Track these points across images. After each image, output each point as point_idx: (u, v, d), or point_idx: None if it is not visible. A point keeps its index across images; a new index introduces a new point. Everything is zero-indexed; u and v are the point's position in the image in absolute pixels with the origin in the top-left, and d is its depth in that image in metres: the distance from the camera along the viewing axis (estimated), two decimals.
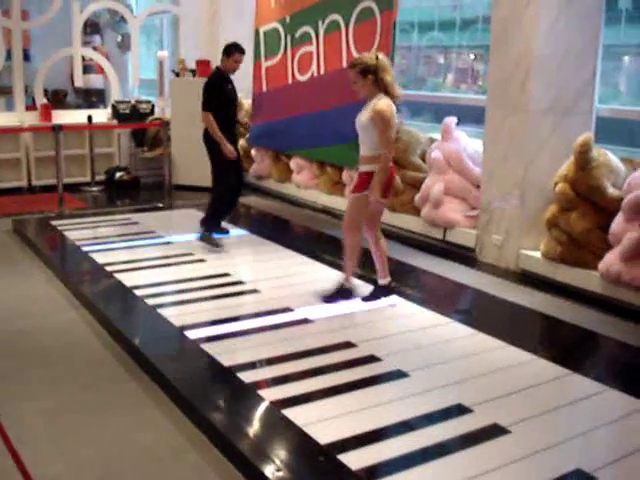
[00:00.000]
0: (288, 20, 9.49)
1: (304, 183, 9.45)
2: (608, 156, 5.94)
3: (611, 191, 5.85)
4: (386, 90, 5.16)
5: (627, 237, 5.50)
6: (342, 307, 5.43)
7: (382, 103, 5.11)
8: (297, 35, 9.30)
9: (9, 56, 10.47)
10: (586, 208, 5.95)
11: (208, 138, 7.10)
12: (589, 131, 6.25)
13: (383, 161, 5.16)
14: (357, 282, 5.70)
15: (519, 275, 6.47)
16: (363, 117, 5.21)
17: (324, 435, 3.56)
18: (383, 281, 5.56)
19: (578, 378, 4.33)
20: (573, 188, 5.97)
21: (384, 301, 5.55)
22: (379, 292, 5.57)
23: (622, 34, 6.94)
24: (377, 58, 5.16)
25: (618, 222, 5.67)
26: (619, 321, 5.39)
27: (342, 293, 5.54)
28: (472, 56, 9.65)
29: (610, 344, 5.06)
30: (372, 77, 5.12)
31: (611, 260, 5.63)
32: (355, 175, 5.54)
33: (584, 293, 5.88)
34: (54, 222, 8.13)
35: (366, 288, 5.69)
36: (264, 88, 10.09)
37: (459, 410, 3.85)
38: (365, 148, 5.28)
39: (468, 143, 7.39)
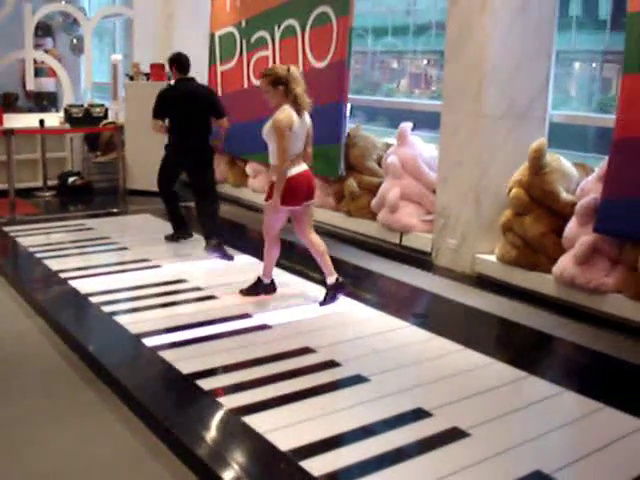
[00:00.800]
0: (244, 24, 9.47)
1: (260, 188, 9.41)
2: (561, 161, 6.04)
3: (564, 196, 5.94)
4: (295, 101, 5.29)
5: (580, 241, 5.60)
6: (300, 312, 5.42)
7: (281, 113, 5.24)
8: (253, 39, 9.29)
9: None
10: (540, 212, 6.03)
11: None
12: (543, 136, 6.35)
13: (276, 171, 5.34)
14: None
15: (475, 279, 6.53)
16: (266, 126, 5.35)
17: (285, 441, 3.54)
18: (330, 280, 5.65)
19: (535, 380, 4.39)
20: (527, 193, 6.05)
21: (340, 300, 5.64)
22: (331, 293, 5.63)
23: (573, 40, 7.07)
24: (288, 70, 5.29)
25: (571, 226, 5.76)
26: (574, 323, 5.47)
27: (261, 287, 5.84)
28: (425, 61, 9.74)
29: (565, 346, 5.13)
30: (282, 88, 5.26)
31: (565, 263, 5.71)
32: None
33: (539, 296, 5.96)
34: (5, 228, 7.98)
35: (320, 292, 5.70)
36: (219, 92, 10.03)
37: (419, 414, 3.87)
38: (272, 157, 5.41)
39: (424, 148, 7.45)
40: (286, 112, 5.25)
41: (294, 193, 5.40)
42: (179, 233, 7.60)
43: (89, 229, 8.04)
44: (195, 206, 7.48)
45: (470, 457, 3.45)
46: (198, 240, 7.59)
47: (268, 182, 5.69)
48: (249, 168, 9.58)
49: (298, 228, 5.71)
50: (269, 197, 5.45)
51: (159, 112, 7.25)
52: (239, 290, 5.84)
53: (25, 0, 10.71)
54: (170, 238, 7.57)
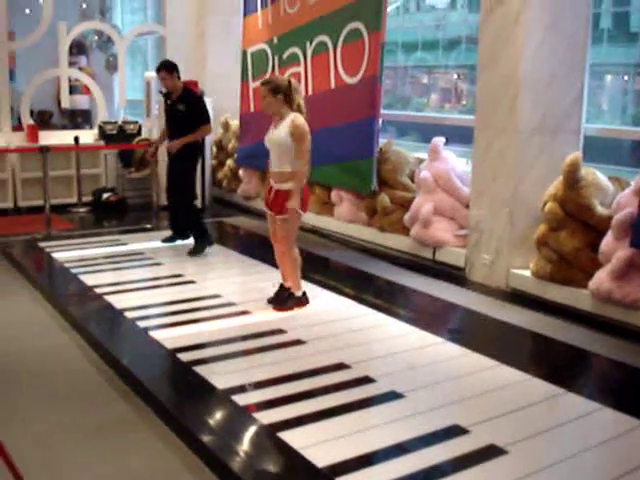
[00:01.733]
0: (276, 41, 9.53)
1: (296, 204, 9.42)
2: (596, 175, 5.99)
3: (600, 210, 5.89)
4: (299, 110, 5.56)
5: (617, 256, 5.53)
6: (334, 328, 5.42)
7: (298, 119, 5.47)
8: (285, 56, 9.33)
9: None
10: (575, 227, 5.98)
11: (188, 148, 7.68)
12: (577, 150, 6.30)
13: (300, 174, 5.50)
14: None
15: (509, 294, 6.48)
16: (280, 133, 5.50)
17: (320, 458, 3.53)
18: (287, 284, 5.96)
19: (572, 397, 4.34)
20: (562, 207, 6.01)
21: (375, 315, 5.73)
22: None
23: (604, 53, 7.03)
24: (289, 82, 5.57)
25: (607, 241, 5.70)
26: (610, 339, 5.41)
27: (294, 301, 5.87)
28: (455, 76, 9.74)
29: (602, 362, 5.08)
30: (281, 96, 5.49)
31: (601, 278, 5.65)
32: (273, 193, 5.72)
33: (574, 311, 5.90)
34: (41, 244, 8.09)
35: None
36: (252, 109, 10.11)
37: (456, 431, 3.84)
38: (285, 164, 5.54)
39: (456, 163, 7.44)
40: (301, 118, 5.51)
41: (307, 198, 5.84)
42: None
43: (123, 244, 8.12)
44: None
45: (508, 475, 3.42)
46: (233, 257, 7.65)
47: (277, 190, 5.67)
48: None
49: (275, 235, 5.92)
50: (283, 206, 5.57)
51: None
52: (272, 306, 5.85)
53: (60, 18, 10.86)
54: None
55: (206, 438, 3.79)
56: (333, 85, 8.48)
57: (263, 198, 5.99)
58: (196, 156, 8.05)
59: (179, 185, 7.87)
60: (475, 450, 3.64)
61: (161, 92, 8.02)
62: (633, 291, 5.45)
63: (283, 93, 5.49)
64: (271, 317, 5.67)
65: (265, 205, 5.89)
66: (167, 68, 7.63)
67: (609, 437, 3.89)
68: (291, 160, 5.51)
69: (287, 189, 5.56)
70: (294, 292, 5.87)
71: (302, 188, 5.60)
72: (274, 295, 5.93)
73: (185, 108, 7.65)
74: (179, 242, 8.08)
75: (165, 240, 8.15)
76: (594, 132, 6.59)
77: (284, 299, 5.86)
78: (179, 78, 7.74)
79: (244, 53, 10.25)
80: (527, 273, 6.37)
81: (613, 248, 5.62)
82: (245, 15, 10.25)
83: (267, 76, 9.70)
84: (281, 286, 5.93)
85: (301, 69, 9.04)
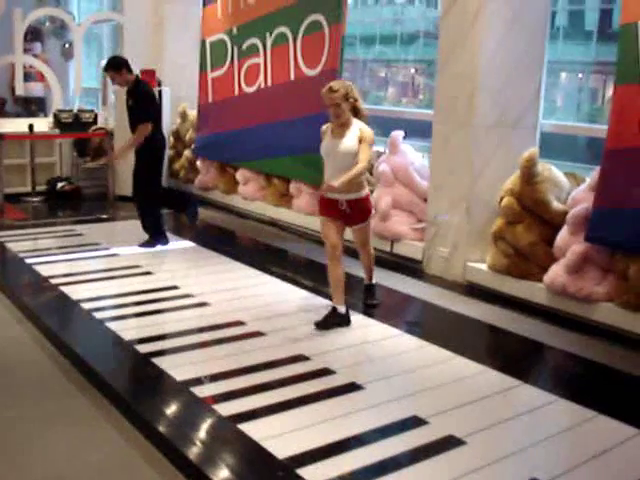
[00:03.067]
0: (235, 31, 9.48)
1: (250, 195, 9.42)
2: (553, 171, 6.08)
3: (556, 205, 5.98)
4: (359, 114, 5.29)
5: (571, 250, 5.63)
6: (293, 320, 5.42)
7: (365, 126, 5.25)
8: (244, 47, 9.29)
9: None
10: (531, 221, 6.06)
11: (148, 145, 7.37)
12: (534, 146, 6.39)
13: (362, 168, 5.19)
14: None
15: (466, 287, 6.55)
16: (348, 142, 5.19)
17: (281, 449, 3.54)
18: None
19: (528, 388, 4.41)
20: (519, 202, 6.08)
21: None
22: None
23: (559, 50, 7.13)
24: (351, 85, 5.28)
25: (562, 235, 5.79)
26: (565, 332, 5.50)
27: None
28: (413, 70, 9.80)
29: (557, 355, 5.16)
30: (352, 101, 5.21)
31: (556, 272, 5.74)
32: (346, 205, 5.31)
33: (530, 305, 5.99)
34: None
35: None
36: (210, 99, 10.05)
37: (415, 422, 3.88)
38: (343, 172, 5.13)
39: (415, 157, 7.48)
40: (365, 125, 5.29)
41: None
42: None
43: (79, 235, 8.01)
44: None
45: (467, 465, 3.46)
46: (191, 249, 7.61)
47: (350, 201, 5.31)
48: (239, 175, 9.56)
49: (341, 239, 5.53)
50: (369, 214, 5.50)
51: (152, 114, 7.40)
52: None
53: (15, 4, 10.66)
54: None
55: (165, 430, 3.78)
56: (292, 77, 8.47)
57: (324, 211, 5.45)
58: (151, 151, 7.45)
59: (139, 183, 7.57)
60: (434, 441, 3.68)
61: None
62: (587, 285, 5.56)
63: (352, 97, 5.21)
64: (230, 308, 5.64)
65: (328, 215, 5.38)
66: (113, 67, 7.29)
67: (565, 428, 3.96)
68: (348, 168, 5.17)
69: (362, 197, 5.36)
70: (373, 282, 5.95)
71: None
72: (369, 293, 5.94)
73: (133, 103, 7.38)
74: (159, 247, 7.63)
75: (143, 244, 7.61)
76: (550, 128, 6.68)
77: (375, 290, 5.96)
78: (130, 72, 7.36)
79: (203, 43, 10.17)
80: (484, 267, 6.45)
81: (568, 243, 5.71)
82: (205, 4, 10.16)
83: (225, 67, 9.67)
84: (367, 286, 5.96)
85: (260, 60, 9.01)
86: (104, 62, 10.24)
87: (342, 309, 5.34)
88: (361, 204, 5.38)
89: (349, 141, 5.19)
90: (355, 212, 5.37)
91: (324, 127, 5.42)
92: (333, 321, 5.30)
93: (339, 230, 5.38)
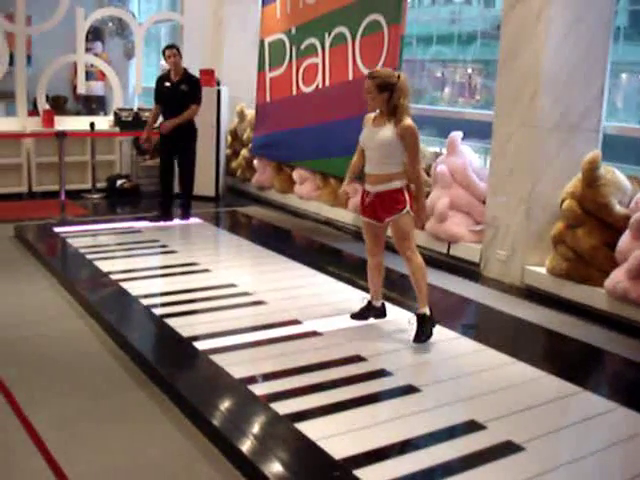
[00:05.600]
0: (294, 31, 9.51)
1: (306, 194, 9.45)
2: (616, 174, 5.96)
3: (618, 209, 5.87)
4: (394, 112, 4.91)
5: (634, 255, 5.51)
6: (350, 320, 5.41)
7: (407, 119, 4.91)
8: (302, 47, 9.32)
9: (11, 61, 10.45)
10: (593, 225, 5.96)
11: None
12: (596, 148, 6.28)
13: (420, 178, 5.01)
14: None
15: (524, 291, 6.47)
16: (385, 133, 4.93)
17: (338, 450, 3.53)
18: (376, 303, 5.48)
19: (588, 395, 4.33)
20: (580, 205, 5.99)
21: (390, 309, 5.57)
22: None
23: (620, 51, 6.99)
24: (398, 77, 4.94)
25: (625, 240, 5.68)
26: (625, 338, 5.41)
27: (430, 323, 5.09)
28: (470, 70, 9.69)
29: (617, 361, 5.07)
30: (387, 95, 4.90)
31: (618, 277, 5.64)
32: (373, 197, 5.05)
33: (590, 310, 5.89)
34: (56, 229, 8.10)
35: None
36: (268, 99, 10.10)
37: (472, 426, 3.84)
38: (389, 166, 4.96)
39: (473, 157, 7.42)
40: (409, 118, 4.94)
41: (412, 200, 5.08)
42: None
43: (137, 232, 8.13)
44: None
45: (525, 472, 3.42)
46: (248, 247, 7.68)
47: (379, 193, 5.02)
48: (296, 174, 9.60)
49: (381, 244, 5.34)
50: (403, 206, 4.97)
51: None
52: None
53: (78, 4, 10.85)
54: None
55: (222, 427, 3.80)
56: (351, 77, 8.46)
57: (360, 208, 5.28)
58: (196, 136, 8.56)
59: (190, 165, 8.60)
60: (492, 446, 3.64)
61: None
62: None
63: (389, 91, 4.88)
64: (286, 307, 5.66)
65: (363, 214, 5.20)
66: (177, 48, 8.41)
67: (625, 437, 3.88)
68: (396, 162, 4.96)
69: (391, 189, 4.97)
70: (425, 312, 5.06)
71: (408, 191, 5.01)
72: (418, 331, 5.02)
73: (188, 88, 8.25)
74: (162, 223, 8.54)
75: (153, 219, 8.60)
76: (613, 130, 6.55)
77: (428, 328, 5.05)
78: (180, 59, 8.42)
79: (262, 43, 10.23)
80: (543, 270, 6.36)
81: (630, 247, 5.60)
82: (263, 5, 10.23)
83: (284, 67, 9.71)
84: (419, 316, 5.04)
85: (319, 60, 9.02)
86: (163, 62, 10.50)
87: (377, 303, 5.41)
88: (390, 196, 4.98)
89: (385, 133, 4.93)
90: (382, 204, 5.02)
91: (367, 116, 5.17)
92: (368, 314, 5.40)
93: (376, 231, 5.21)
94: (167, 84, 8.31)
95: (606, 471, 3.57)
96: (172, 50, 8.33)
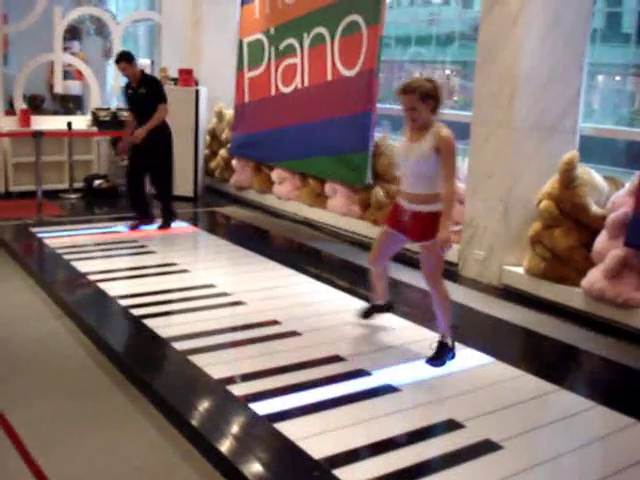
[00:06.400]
0: (272, 32, 9.51)
1: (285, 194, 9.45)
2: (592, 174, 6.02)
3: (595, 209, 5.92)
4: (431, 122, 4.60)
5: (610, 255, 5.57)
6: (329, 320, 5.42)
7: (444, 129, 4.55)
8: (281, 47, 9.32)
9: None
10: (570, 225, 6.01)
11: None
12: (573, 149, 6.33)
13: (452, 197, 4.58)
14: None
15: (501, 290, 6.51)
16: (422, 147, 4.54)
17: (317, 449, 3.54)
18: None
19: (565, 394, 4.37)
20: (557, 205, 6.04)
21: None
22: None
23: (596, 53, 7.06)
24: (432, 81, 4.58)
25: (601, 240, 5.74)
26: (602, 337, 5.45)
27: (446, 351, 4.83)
28: (448, 71, 9.75)
29: (594, 360, 5.12)
30: (432, 102, 4.52)
31: (594, 277, 5.69)
32: (409, 216, 4.73)
33: (567, 309, 5.94)
34: (33, 229, 8.04)
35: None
36: (246, 99, 10.09)
37: (451, 425, 3.86)
38: (427, 185, 4.61)
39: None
40: (447, 129, 4.56)
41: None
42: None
43: (115, 232, 8.08)
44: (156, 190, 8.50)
45: (503, 470, 3.44)
46: (227, 247, 7.66)
47: (414, 213, 4.70)
48: (275, 174, 9.60)
49: (387, 255, 5.15)
50: (432, 234, 4.59)
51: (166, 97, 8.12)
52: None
53: (55, 3, 10.77)
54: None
55: (202, 428, 3.79)
56: (330, 77, 8.48)
57: (387, 218, 4.99)
58: (167, 138, 8.19)
59: (163, 172, 8.30)
60: (471, 445, 3.66)
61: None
62: (625, 290, 5.49)
63: (433, 98, 4.52)
64: (265, 308, 5.66)
65: (391, 226, 4.90)
66: (127, 59, 7.85)
67: (602, 434, 3.92)
68: (433, 179, 4.58)
69: (429, 212, 4.61)
70: (448, 342, 4.83)
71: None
72: (435, 356, 4.75)
73: (146, 90, 7.92)
74: (144, 228, 8.30)
75: (133, 227, 8.28)
76: (589, 131, 6.61)
77: (445, 356, 4.79)
78: (137, 66, 8.07)
79: (240, 43, 10.22)
80: (520, 270, 6.41)
81: (607, 247, 5.66)
82: (242, 4, 10.22)
83: (262, 67, 9.70)
84: (441, 343, 4.79)
85: (297, 60, 9.03)
86: (142, 61, 10.43)
87: (380, 302, 5.41)
88: (427, 219, 4.63)
89: (422, 147, 4.54)
90: (417, 226, 4.70)
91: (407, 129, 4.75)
92: (371, 310, 5.42)
93: (390, 244, 5.01)
94: (130, 91, 8.08)
95: (584, 469, 3.60)
96: (120, 64, 7.85)
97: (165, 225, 8.36)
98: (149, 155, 8.09)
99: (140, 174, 8.25)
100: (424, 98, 4.50)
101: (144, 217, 8.36)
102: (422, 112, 4.52)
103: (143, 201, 8.40)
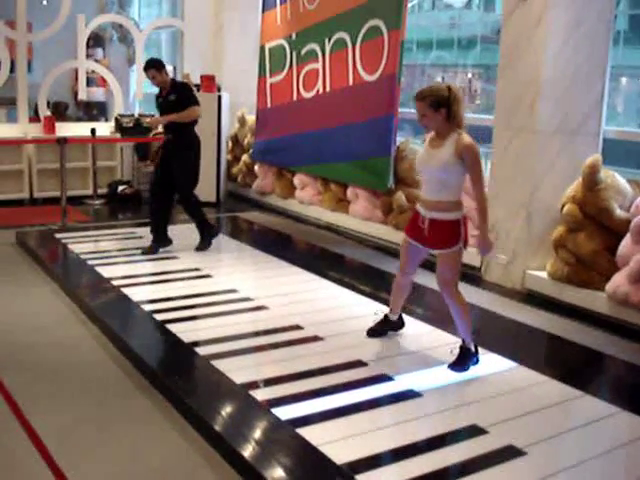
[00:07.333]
0: (294, 37, 9.54)
1: (307, 199, 9.47)
2: (616, 178, 5.98)
3: (618, 213, 5.88)
4: (459, 125, 4.56)
5: (635, 259, 5.53)
6: (351, 325, 5.42)
7: (466, 137, 4.51)
8: (303, 52, 9.35)
9: (12, 68, 10.48)
10: (593, 229, 5.97)
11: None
12: (596, 152, 6.29)
13: (485, 205, 4.59)
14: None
15: (525, 295, 6.48)
16: (442, 155, 4.52)
17: (339, 455, 3.54)
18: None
19: (589, 399, 4.33)
20: (581, 209, 6.00)
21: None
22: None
23: (619, 55, 7.01)
24: (450, 89, 4.53)
25: (626, 244, 5.69)
26: (626, 342, 5.41)
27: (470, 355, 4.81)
28: (470, 75, 9.72)
29: (618, 365, 5.07)
30: (445, 110, 4.50)
31: (619, 281, 5.65)
32: (427, 224, 4.67)
33: (591, 314, 5.90)
34: (57, 235, 8.12)
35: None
36: (268, 104, 10.13)
37: (474, 431, 3.85)
38: (447, 192, 4.58)
39: None
40: (468, 136, 4.53)
41: (467, 231, 4.74)
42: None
43: (139, 237, 8.13)
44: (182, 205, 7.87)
45: (526, 476, 3.43)
46: (249, 253, 7.68)
47: (433, 220, 4.64)
48: (297, 180, 9.62)
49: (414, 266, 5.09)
50: (454, 241, 4.60)
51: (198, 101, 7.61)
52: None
53: (78, 11, 10.87)
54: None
55: (224, 432, 3.80)
56: (351, 82, 8.49)
57: (407, 228, 4.92)
58: (194, 144, 7.56)
59: (185, 178, 7.58)
60: (494, 451, 3.64)
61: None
62: None
63: (445, 106, 4.50)
64: (288, 313, 5.67)
65: (410, 236, 4.85)
66: (155, 66, 7.43)
67: (627, 441, 3.89)
68: (455, 189, 4.58)
69: (448, 220, 4.59)
70: (471, 347, 4.81)
71: (463, 220, 4.65)
72: (458, 361, 4.74)
73: (176, 97, 7.47)
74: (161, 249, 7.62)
75: (145, 252, 7.49)
76: (613, 134, 6.57)
77: (468, 361, 4.77)
78: (167, 74, 7.56)
79: (262, 48, 10.27)
80: (543, 275, 6.37)
81: (631, 251, 5.61)
82: (264, 11, 10.27)
83: (284, 72, 9.73)
84: (463, 348, 4.77)
85: (319, 65, 9.05)
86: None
87: (393, 317, 5.27)
88: (445, 227, 4.61)
89: (442, 154, 4.51)
90: (434, 234, 4.66)
91: (427, 135, 4.77)
92: (383, 327, 5.26)
93: (413, 254, 4.93)
94: (160, 100, 7.67)
95: (608, 475, 3.57)
96: (149, 72, 7.41)
97: (202, 247, 7.69)
98: (175, 160, 7.52)
99: (165, 186, 7.61)
100: (435, 106, 4.50)
101: (161, 241, 7.65)
102: (432, 119, 4.55)
103: (163, 220, 7.70)
